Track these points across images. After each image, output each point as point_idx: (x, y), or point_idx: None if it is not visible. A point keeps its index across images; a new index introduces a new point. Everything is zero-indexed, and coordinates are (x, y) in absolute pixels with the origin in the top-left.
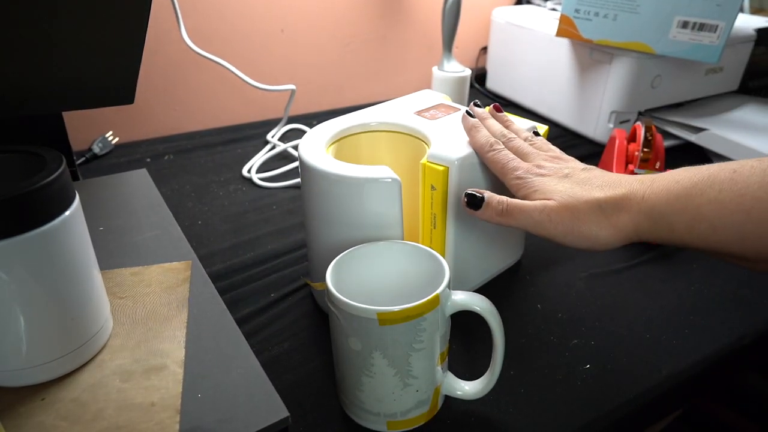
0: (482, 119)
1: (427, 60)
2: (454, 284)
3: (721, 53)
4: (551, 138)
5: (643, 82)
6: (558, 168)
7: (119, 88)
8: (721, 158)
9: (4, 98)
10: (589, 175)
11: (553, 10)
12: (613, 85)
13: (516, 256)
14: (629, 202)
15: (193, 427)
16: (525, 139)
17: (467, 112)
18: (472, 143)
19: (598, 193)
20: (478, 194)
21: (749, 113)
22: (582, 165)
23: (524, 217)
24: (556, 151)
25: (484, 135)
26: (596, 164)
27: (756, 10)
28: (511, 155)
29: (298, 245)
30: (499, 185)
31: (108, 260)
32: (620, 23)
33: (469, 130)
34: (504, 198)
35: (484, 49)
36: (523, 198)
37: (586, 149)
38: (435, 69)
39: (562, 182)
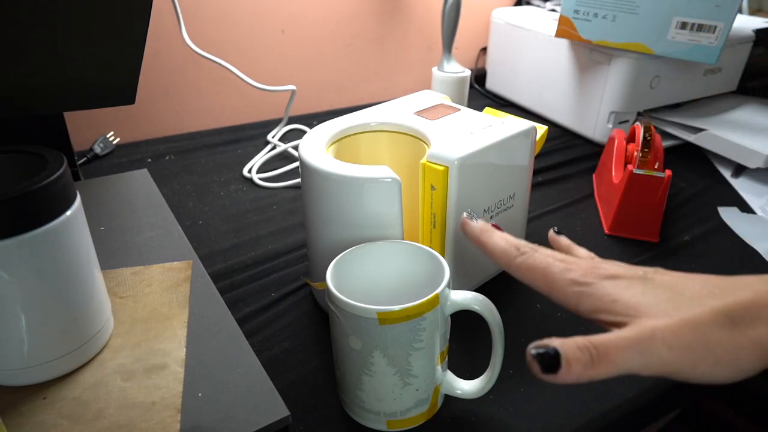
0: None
1: (426, 60)
2: (454, 284)
3: (720, 54)
4: (551, 138)
5: (642, 82)
6: (627, 269)
7: (120, 88)
8: (720, 158)
9: (5, 98)
10: (674, 279)
11: (553, 10)
12: (612, 85)
13: None
14: (764, 308)
15: (194, 426)
16: None
17: (466, 214)
18: (491, 249)
19: (716, 302)
20: (548, 350)
21: (748, 113)
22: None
23: (629, 357)
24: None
25: (501, 237)
26: (595, 165)
27: (754, 11)
28: (551, 257)
29: (298, 245)
30: (504, 189)
31: (109, 260)
32: (619, 24)
33: (480, 234)
34: (585, 341)
35: (484, 50)
36: (590, 314)
37: (585, 149)
38: (435, 69)
39: (649, 289)
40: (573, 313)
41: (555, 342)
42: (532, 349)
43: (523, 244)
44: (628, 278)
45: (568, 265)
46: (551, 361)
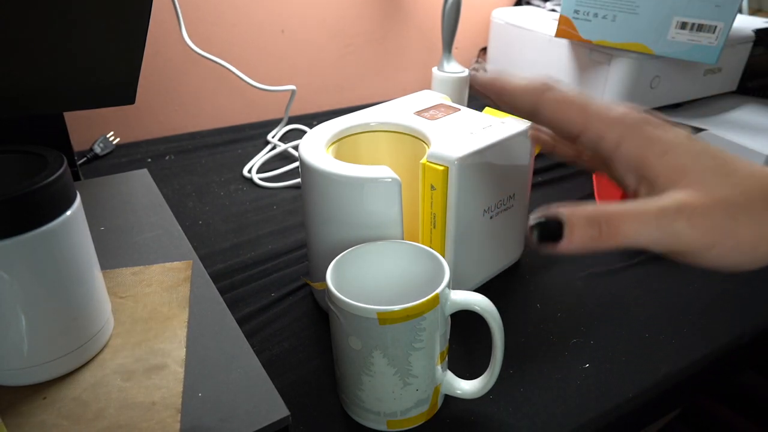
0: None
1: (426, 61)
2: (454, 284)
3: (720, 54)
4: None
5: (642, 82)
6: (666, 123)
7: (120, 88)
8: None
9: (5, 98)
10: (724, 152)
11: (553, 10)
12: (612, 85)
13: (516, 256)
14: None
15: (194, 426)
16: None
17: (474, 69)
18: (512, 88)
19: (756, 182)
20: (550, 219)
21: (748, 114)
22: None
23: (643, 232)
24: None
25: (521, 77)
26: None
27: (754, 11)
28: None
29: (298, 245)
30: (516, 185)
31: (109, 260)
32: (619, 24)
33: (495, 79)
34: (596, 213)
35: (484, 50)
36: (629, 161)
37: None
38: (435, 69)
39: (702, 154)
40: (594, 153)
41: (560, 208)
42: (533, 217)
43: (550, 78)
44: (677, 133)
45: (606, 103)
46: (552, 229)
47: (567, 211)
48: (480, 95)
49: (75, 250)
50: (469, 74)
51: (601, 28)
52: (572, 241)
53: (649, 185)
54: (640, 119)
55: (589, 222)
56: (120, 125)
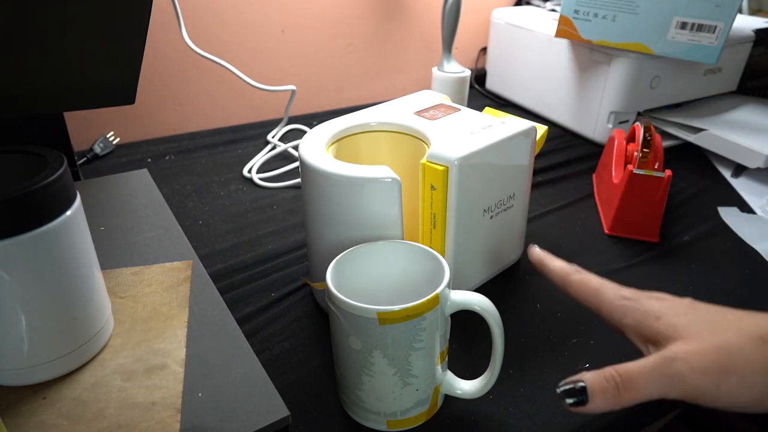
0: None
1: (426, 61)
2: (454, 284)
3: (720, 54)
4: (551, 138)
5: (642, 82)
6: (672, 296)
7: (120, 88)
8: (720, 158)
9: (5, 98)
10: (716, 308)
11: (553, 10)
12: (612, 85)
13: (516, 256)
14: None
15: (194, 426)
16: None
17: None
18: (550, 267)
19: (752, 325)
20: (575, 385)
21: (748, 113)
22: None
23: (654, 381)
24: None
25: (558, 260)
26: (595, 165)
27: (754, 11)
28: (604, 280)
29: (298, 245)
30: (507, 186)
31: (109, 260)
32: (619, 24)
33: (544, 257)
34: (609, 371)
35: (484, 50)
36: (633, 327)
37: (585, 149)
38: (435, 69)
39: (691, 312)
40: (610, 325)
41: (581, 376)
42: (559, 388)
43: (575, 266)
44: (673, 300)
45: (619, 286)
46: (578, 395)
47: (585, 376)
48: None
49: (75, 250)
50: (471, 74)
51: (601, 28)
52: (596, 404)
53: (653, 344)
54: (640, 297)
55: (606, 378)
56: (120, 125)
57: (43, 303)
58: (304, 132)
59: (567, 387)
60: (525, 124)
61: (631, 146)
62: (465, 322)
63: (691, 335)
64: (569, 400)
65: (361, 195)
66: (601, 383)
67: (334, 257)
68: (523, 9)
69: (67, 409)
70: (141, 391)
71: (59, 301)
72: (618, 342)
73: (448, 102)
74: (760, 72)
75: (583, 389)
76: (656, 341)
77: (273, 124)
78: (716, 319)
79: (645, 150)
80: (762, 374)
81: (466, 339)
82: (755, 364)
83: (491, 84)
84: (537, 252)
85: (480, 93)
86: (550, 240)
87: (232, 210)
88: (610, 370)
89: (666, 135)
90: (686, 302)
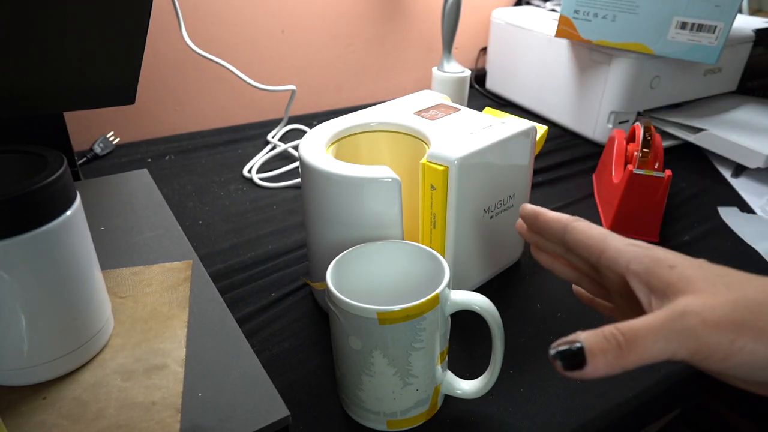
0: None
1: (426, 61)
2: (454, 284)
3: (720, 54)
4: (551, 138)
5: (642, 82)
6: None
7: (120, 88)
8: (720, 158)
9: (5, 98)
10: (725, 268)
11: (553, 10)
12: (612, 85)
13: (516, 256)
14: None
15: (194, 426)
16: None
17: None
18: (549, 217)
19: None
20: (570, 347)
21: (748, 113)
22: None
23: (662, 339)
24: None
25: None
26: (595, 165)
27: (754, 11)
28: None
29: (298, 245)
30: (506, 188)
31: (109, 260)
32: (619, 24)
33: (539, 209)
34: (611, 328)
35: (484, 50)
36: (641, 275)
37: (585, 149)
38: (435, 69)
39: (706, 267)
40: (610, 275)
41: (578, 336)
42: (552, 349)
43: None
44: (686, 256)
45: (624, 238)
46: (574, 356)
47: (581, 335)
48: (525, 223)
49: (75, 250)
50: (471, 74)
51: (601, 28)
52: (596, 366)
53: (660, 298)
54: (651, 246)
55: (606, 338)
56: (120, 125)
57: (43, 303)
58: (304, 132)
59: (562, 348)
60: (525, 124)
61: (631, 146)
62: (465, 322)
63: (706, 289)
64: (562, 363)
65: (361, 195)
66: (601, 343)
67: (334, 257)
68: (523, 9)
69: (67, 409)
70: (141, 391)
71: (59, 301)
72: None
73: (448, 102)
74: (760, 72)
75: (580, 350)
76: (664, 293)
77: (273, 124)
78: (733, 276)
79: (645, 150)
80: None
81: (466, 339)
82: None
83: (491, 84)
84: (529, 207)
85: (480, 93)
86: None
87: (232, 210)
88: (610, 329)
89: (666, 135)
90: (701, 260)
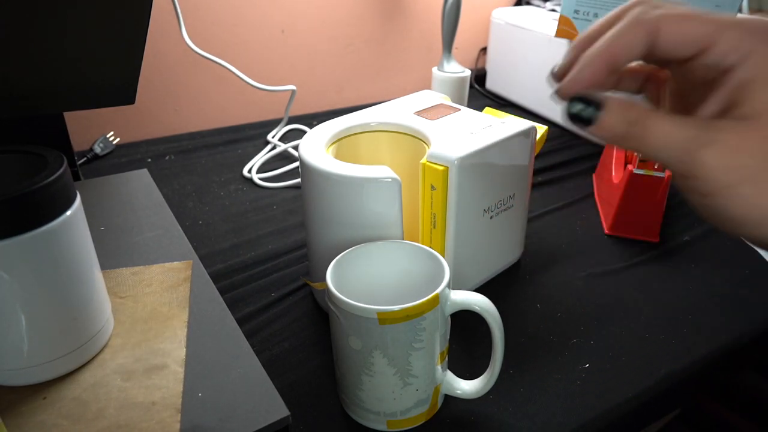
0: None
1: (426, 61)
2: (454, 284)
3: None
4: (551, 138)
5: None
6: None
7: (120, 88)
8: None
9: (5, 98)
10: None
11: (553, 11)
12: None
13: (516, 256)
14: None
15: (194, 426)
16: None
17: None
18: (612, 15)
19: None
20: (591, 100)
21: None
22: None
23: (671, 143)
24: None
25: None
26: (595, 165)
27: (754, 11)
28: None
29: (298, 245)
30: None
31: (109, 260)
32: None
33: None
34: (635, 105)
35: (484, 50)
36: (745, 82)
37: (585, 149)
38: (435, 69)
39: None
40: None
41: (602, 94)
42: (574, 97)
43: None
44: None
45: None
46: (587, 111)
47: (608, 95)
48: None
49: (75, 250)
50: (471, 74)
51: None
52: (603, 127)
53: (729, 111)
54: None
55: (625, 111)
56: (120, 125)
57: (43, 303)
58: (304, 132)
59: (583, 97)
60: (525, 124)
61: None
62: (465, 322)
63: (764, 126)
64: (577, 108)
65: (361, 195)
66: (618, 111)
67: (334, 257)
68: (523, 9)
69: (67, 409)
70: (141, 391)
71: (59, 301)
72: (618, 342)
73: (448, 102)
74: None
75: (599, 105)
76: (729, 103)
77: (273, 124)
78: None
79: None
80: None
81: (466, 339)
82: None
83: (491, 84)
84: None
85: (480, 93)
86: (550, 240)
87: (232, 210)
88: (633, 107)
89: None
90: None
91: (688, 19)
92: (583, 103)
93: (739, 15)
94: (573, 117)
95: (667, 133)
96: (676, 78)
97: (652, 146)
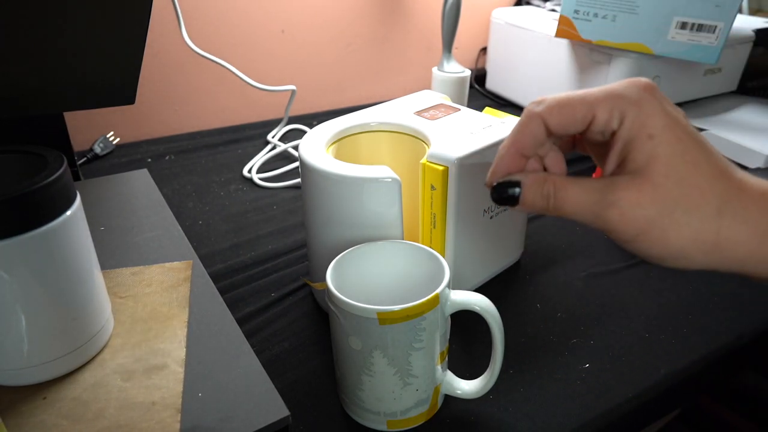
0: None
1: (426, 61)
2: (454, 284)
3: (720, 54)
4: None
5: None
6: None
7: (120, 88)
8: None
9: (5, 98)
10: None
11: (553, 10)
12: None
13: (516, 256)
14: (758, 195)
15: (194, 426)
16: None
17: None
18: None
19: (719, 166)
20: (510, 185)
21: (748, 114)
22: None
23: (581, 211)
24: None
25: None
26: (595, 165)
27: (754, 11)
28: None
29: (298, 245)
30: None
31: (109, 260)
32: (619, 24)
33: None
34: (548, 179)
35: (484, 50)
36: (626, 140)
37: None
38: (435, 69)
39: (679, 139)
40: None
41: (519, 177)
42: (496, 182)
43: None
44: (675, 125)
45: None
46: (508, 194)
47: (523, 176)
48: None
49: (75, 249)
50: (471, 74)
51: (601, 28)
52: (525, 203)
53: (624, 165)
54: (642, 90)
55: (540, 185)
56: (120, 125)
57: (43, 303)
58: (304, 132)
59: (503, 181)
60: None
61: None
62: (465, 322)
63: (655, 179)
64: (500, 191)
65: (361, 195)
66: (535, 196)
67: (334, 257)
68: (523, 9)
69: (67, 409)
70: (141, 391)
71: (59, 301)
72: (618, 342)
73: (448, 102)
74: (760, 72)
75: (517, 191)
76: (632, 161)
77: (273, 124)
78: (706, 163)
79: None
80: (690, 236)
81: (466, 339)
82: (687, 231)
83: (491, 84)
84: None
85: (480, 93)
86: (550, 240)
87: (232, 210)
88: (546, 182)
89: None
90: (689, 137)
91: (567, 104)
92: (505, 187)
93: (607, 85)
94: (498, 200)
95: (576, 201)
96: (587, 143)
97: (569, 213)
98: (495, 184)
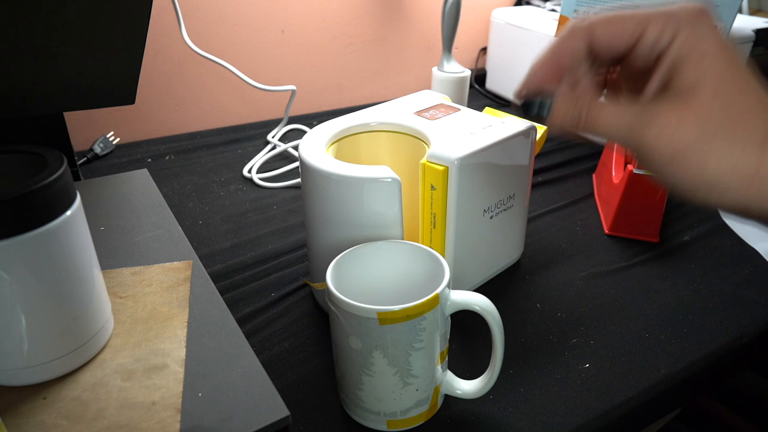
0: None
1: (426, 61)
2: (454, 284)
3: None
4: (550, 138)
5: None
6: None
7: (120, 88)
8: None
9: (5, 98)
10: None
11: (553, 10)
12: None
13: (515, 256)
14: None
15: (194, 426)
16: None
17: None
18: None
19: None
20: (540, 97)
21: None
22: None
23: (615, 130)
24: None
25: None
26: (595, 165)
27: (754, 11)
28: None
29: (298, 245)
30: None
31: (109, 260)
32: None
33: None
34: (583, 93)
35: (484, 50)
36: (677, 59)
37: (585, 149)
38: (435, 69)
39: (728, 67)
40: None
41: (555, 95)
42: (524, 95)
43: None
44: (721, 55)
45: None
46: (540, 108)
47: (559, 97)
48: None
49: (75, 250)
50: (471, 74)
51: None
52: (556, 116)
53: (668, 87)
54: (697, 11)
55: (574, 100)
56: (120, 125)
57: (43, 303)
58: (304, 132)
59: (534, 100)
60: (525, 124)
61: None
62: (465, 322)
63: (705, 99)
64: (531, 102)
65: (361, 195)
66: (566, 112)
67: (334, 257)
68: (523, 9)
69: (67, 409)
70: (141, 391)
71: (59, 301)
72: (618, 342)
73: (448, 102)
74: (760, 72)
75: (547, 109)
76: (678, 82)
77: (273, 124)
78: (746, 91)
79: None
80: (722, 174)
81: (466, 339)
82: (724, 161)
83: (491, 84)
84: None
85: (480, 93)
86: (550, 240)
87: (232, 210)
88: (582, 106)
89: None
90: (736, 67)
91: (616, 19)
92: (535, 99)
93: (657, 4)
94: (527, 113)
95: (610, 119)
96: (624, 74)
97: (602, 131)
98: (525, 96)
